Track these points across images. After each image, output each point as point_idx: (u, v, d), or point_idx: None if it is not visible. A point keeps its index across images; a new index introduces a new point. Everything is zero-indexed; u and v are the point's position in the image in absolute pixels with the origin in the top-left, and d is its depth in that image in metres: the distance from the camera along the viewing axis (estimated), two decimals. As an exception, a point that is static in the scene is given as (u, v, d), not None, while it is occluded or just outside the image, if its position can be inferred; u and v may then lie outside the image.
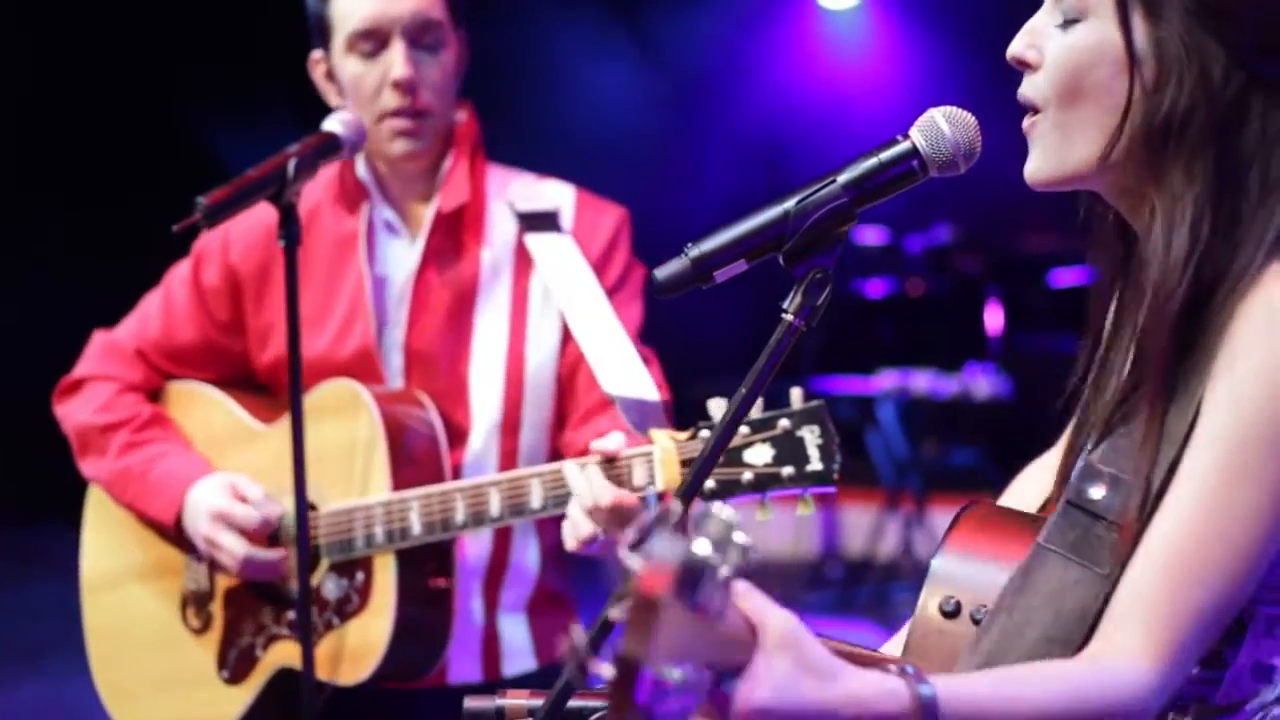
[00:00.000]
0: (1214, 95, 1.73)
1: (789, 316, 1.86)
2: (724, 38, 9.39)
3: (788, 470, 2.51)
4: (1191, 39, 1.73)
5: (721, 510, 1.41)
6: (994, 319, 8.25)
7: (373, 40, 2.88)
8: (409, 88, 2.87)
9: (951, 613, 1.84)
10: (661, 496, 2.60)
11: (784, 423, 2.52)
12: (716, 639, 1.43)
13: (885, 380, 8.08)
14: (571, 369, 2.94)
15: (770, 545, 8.62)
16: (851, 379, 8.19)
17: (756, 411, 2.53)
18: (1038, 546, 1.77)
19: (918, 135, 1.86)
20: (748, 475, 2.53)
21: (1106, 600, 1.70)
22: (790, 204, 1.86)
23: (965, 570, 1.86)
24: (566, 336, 2.94)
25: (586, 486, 2.57)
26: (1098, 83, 1.78)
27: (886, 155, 1.86)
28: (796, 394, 2.54)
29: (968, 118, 1.87)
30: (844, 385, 8.22)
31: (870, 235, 8.31)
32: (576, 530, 2.59)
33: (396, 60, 2.87)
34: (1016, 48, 1.84)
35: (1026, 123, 1.84)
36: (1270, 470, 1.66)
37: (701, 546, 1.37)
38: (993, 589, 1.80)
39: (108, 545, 3.10)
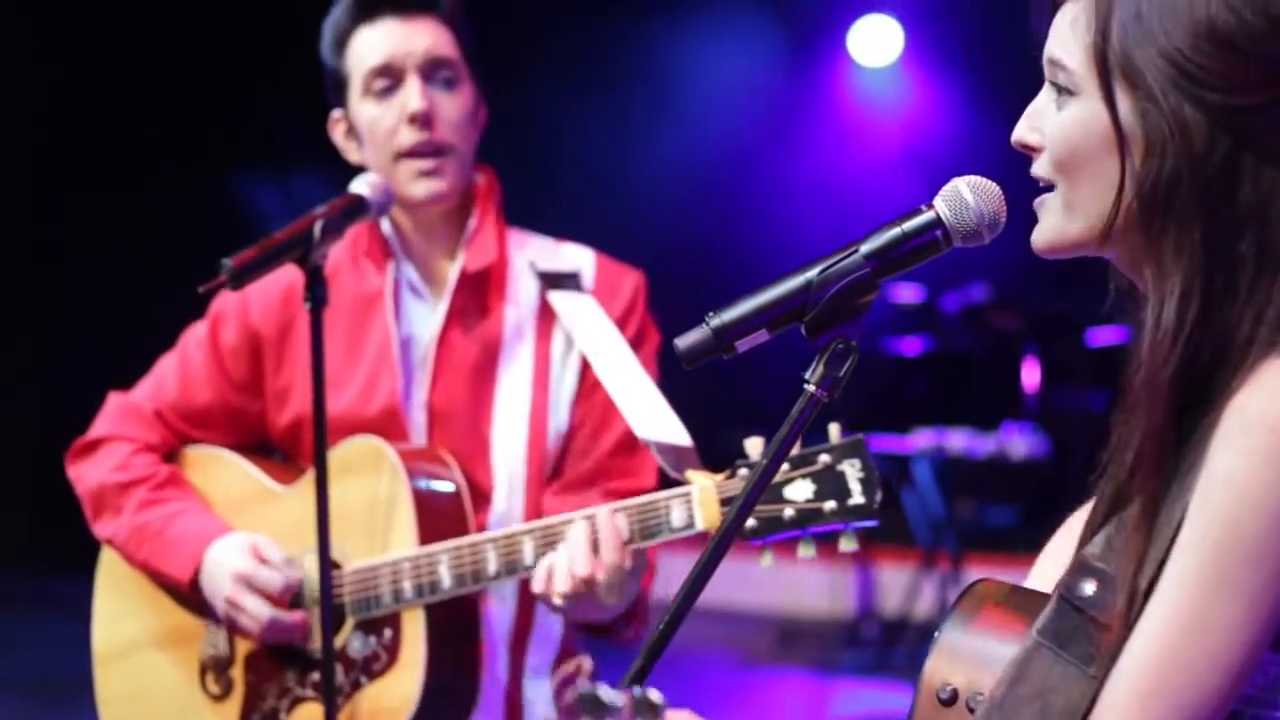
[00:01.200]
0: (1198, 162, 1.69)
1: (811, 387, 1.84)
2: (761, 94, 9.43)
3: (830, 505, 2.50)
4: (1171, 106, 1.69)
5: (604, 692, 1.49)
6: (1031, 377, 8.22)
7: (388, 78, 2.90)
8: (425, 121, 2.88)
9: (948, 700, 1.82)
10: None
11: (824, 458, 2.51)
12: None
13: (921, 439, 8.05)
14: (574, 429, 2.94)
15: (806, 605, 8.57)
16: (887, 437, 8.15)
17: (795, 448, 2.52)
18: (1032, 639, 1.75)
19: (941, 205, 1.84)
20: (789, 512, 2.51)
21: (1093, 701, 1.67)
22: (812, 274, 1.84)
23: (963, 655, 1.84)
24: (579, 394, 2.94)
25: (610, 531, 2.59)
26: (1092, 159, 1.75)
27: (909, 225, 1.85)
28: (835, 429, 2.53)
29: (992, 187, 1.85)
30: (879, 444, 8.18)
31: (906, 293, 8.29)
32: (557, 579, 2.61)
33: (411, 95, 2.88)
34: (1019, 132, 1.83)
35: (1037, 201, 1.83)
36: (1247, 582, 1.62)
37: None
38: (989, 677, 1.77)
39: (121, 613, 3.07)
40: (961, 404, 8.30)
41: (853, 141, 9.41)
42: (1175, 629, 1.63)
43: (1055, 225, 1.80)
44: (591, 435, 2.93)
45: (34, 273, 9.16)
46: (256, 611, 2.84)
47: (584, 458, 2.93)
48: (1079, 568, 1.75)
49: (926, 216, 1.85)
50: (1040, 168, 1.81)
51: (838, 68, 9.40)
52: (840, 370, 1.85)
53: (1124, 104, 1.72)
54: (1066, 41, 1.77)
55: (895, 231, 1.85)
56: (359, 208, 2.78)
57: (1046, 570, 2.10)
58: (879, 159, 9.11)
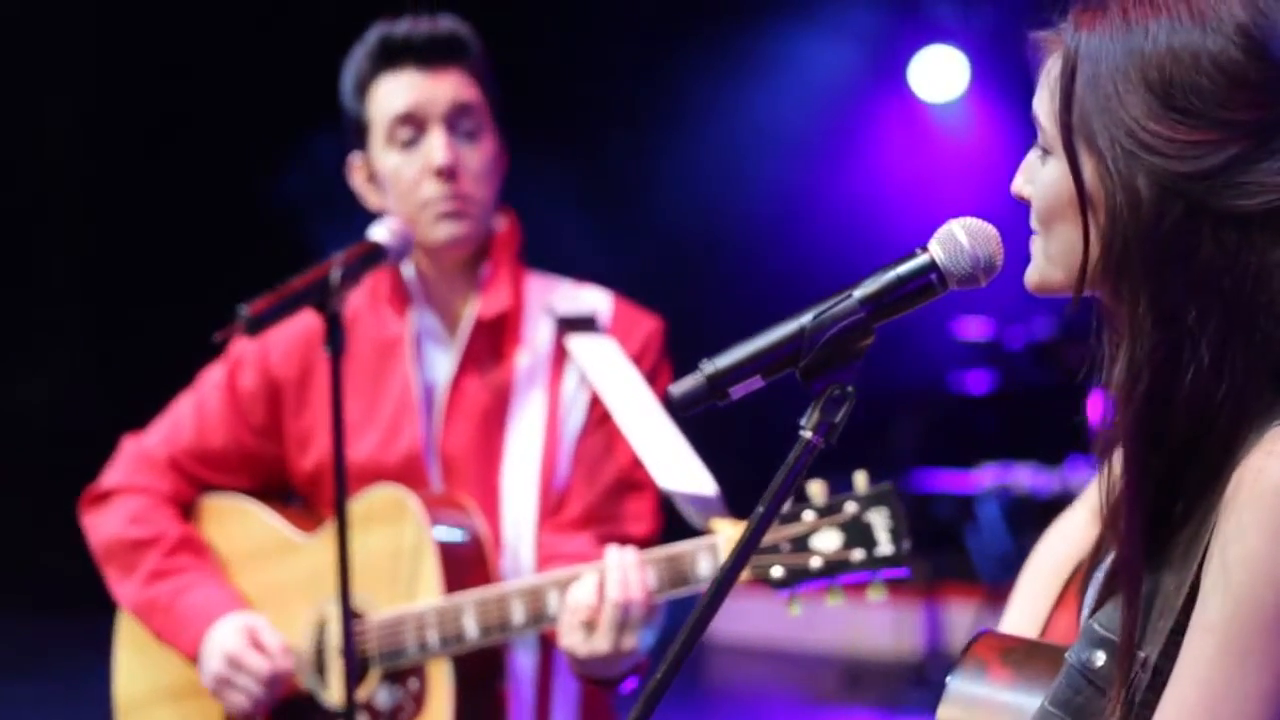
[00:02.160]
0: (1145, 231, 1.67)
1: (807, 433, 1.82)
2: (826, 129, 9.41)
3: (858, 555, 2.50)
4: (1121, 174, 1.68)
5: None
6: (1097, 412, 8.13)
7: (411, 127, 2.89)
8: (450, 173, 2.87)
9: None
10: None
11: (851, 507, 2.50)
12: None
13: (986, 475, 7.98)
14: (575, 464, 2.93)
15: (872, 644, 8.51)
16: (952, 474, 8.08)
17: (822, 497, 2.51)
18: (1044, 708, 1.72)
19: (936, 248, 1.83)
20: (816, 561, 2.51)
21: None
22: (806, 319, 1.83)
23: (978, 706, 1.82)
24: (584, 433, 2.93)
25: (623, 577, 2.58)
26: (1063, 216, 1.76)
27: (904, 269, 1.83)
28: (861, 478, 2.51)
29: (988, 229, 1.84)
30: (944, 481, 8.12)
31: (973, 328, 8.22)
32: (573, 636, 2.61)
33: (436, 147, 2.88)
34: (1015, 185, 1.84)
35: (1031, 244, 1.84)
36: (1274, 655, 1.60)
37: None
38: None
39: (142, 664, 3.08)
40: (1028, 439, 8.22)
41: (918, 176, 9.35)
42: (1205, 709, 1.61)
43: (1040, 271, 1.82)
44: (591, 471, 2.91)
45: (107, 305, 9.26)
46: (247, 690, 2.86)
47: (582, 495, 2.92)
48: (1089, 637, 1.72)
49: (921, 260, 1.83)
50: (1032, 218, 1.82)
51: (902, 103, 9.32)
52: (836, 416, 1.82)
53: (1087, 168, 1.72)
54: (1043, 101, 1.78)
55: (890, 276, 1.84)
56: (377, 254, 2.78)
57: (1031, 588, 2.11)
58: (944, 193, 9.04)
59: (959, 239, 1.82)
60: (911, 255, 1.84)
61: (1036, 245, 1.82)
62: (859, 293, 1.82)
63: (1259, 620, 1.59)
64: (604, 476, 2.90)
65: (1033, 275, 1.83)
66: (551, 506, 2.91)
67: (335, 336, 2.68)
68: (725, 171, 8.98)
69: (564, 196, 7.87)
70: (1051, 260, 1.79)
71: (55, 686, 7.45)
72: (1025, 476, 7.89)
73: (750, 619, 7.81)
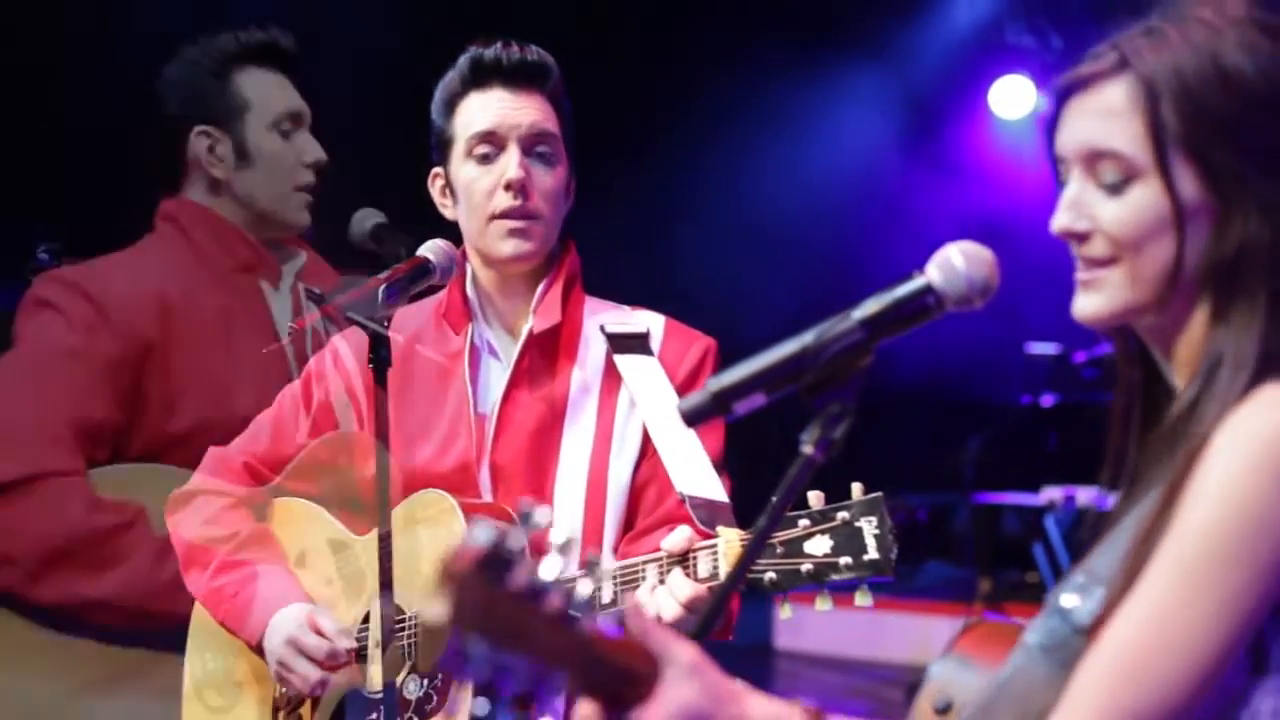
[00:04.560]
0: (1274, 224, 1.77)
1: (807, 448, 1.88)
2: (901, 144, 9.51)
3: (845, 560, 2.56)
4: (1243, 178, 1.76)
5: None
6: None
7: (490, 144, 3.00)
8: (520, 189, 2.97)
9: (943, 709, 1.88)
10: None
11: (843, 515, 2.57)
12: (571, 647, 1.57)
13: (1052, 493, 8.00)
14: (642, 486, 3.01)
15: (938, 657, 8.53)
16: (1018, 494, 8.09)
17: (817, 505, 2.59)
18: (1021, 644, 1.81)
19: (934, 271, 1.89)
20: (807, 566, 2.58)
21: None
22: (809, 339, 1.89)
23: (961, 673, 1.90)
24: (643, 455, 3.01)
25: (673, 585, 2.67)
26: (1160, 235, 1.81)
27: (902, 292, 1.89)
28: (857, 488, 2.59)
29: (984, 254, 1.89)
30: (1010, 499, 8.14)
31: (1041, 347, 8.24)
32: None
33: (511, 164, 2.98)
34: (1064, 221, 1.88)
35: (1089, 275, 1.87)
36: (1225, 580, 1.67)
37: (515, 540, 1.53)
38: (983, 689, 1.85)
39: (208, 651, 3.25)
40: (1093, 459, 8.22)
41: (993, 191, 9.54)
42: (1152, 620, 1.68)
43: (1119, 298, 1.85)
44: (660, 491, 3.00)
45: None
46: (304, 673, 2.99)
47: (653, 511, 3.00)
48: (1069, 577, 1.82)
49: (919, 283, 1.89)
50: (1098, 249, 1.86)
51: (977, 119, 9.78)
52: (835, 432, 1.88)
53: (1188, 181, 1.79)
54: (1110, 130, 1.83)
55: (888, 298, 1.89)
56: (423, 271, 2.86)
57: None
58: (1018, 208, 9.18)
59: (955, 263, 1.88)
60: (909, 278, 1.90)
61: (1111, 276, 1.85)
62: (858, 314, 1.88)
63: (1218, 545, 1.67)
64: (675, 492, 2.97)
65: (1108, 306, 1.86)
66: (597, 519, 2.99)
67: (380, 352, 2.76)
68: (807, 186, 9.12)
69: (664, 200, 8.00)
70: (1140, 282, 1.83)
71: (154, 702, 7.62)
72: (1090, 495, 7.90)
73: (818, 630, 7.85)
